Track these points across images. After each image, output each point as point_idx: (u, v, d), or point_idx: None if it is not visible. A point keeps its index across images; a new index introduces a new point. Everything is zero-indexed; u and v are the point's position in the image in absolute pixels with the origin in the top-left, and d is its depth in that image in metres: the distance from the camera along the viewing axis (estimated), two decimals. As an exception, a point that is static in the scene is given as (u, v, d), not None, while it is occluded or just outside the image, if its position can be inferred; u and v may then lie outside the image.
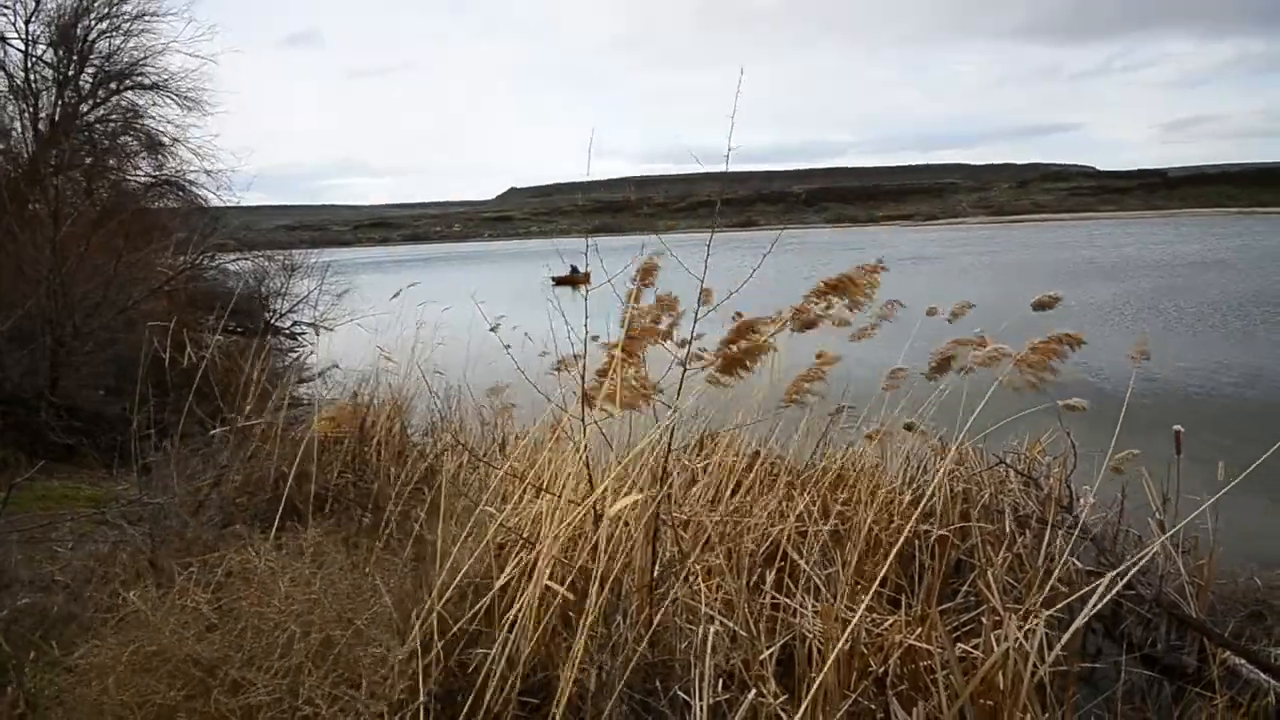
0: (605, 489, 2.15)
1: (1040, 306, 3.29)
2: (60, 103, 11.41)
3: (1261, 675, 2.30)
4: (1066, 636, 1.78)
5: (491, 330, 3.37)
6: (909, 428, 3.55)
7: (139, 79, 11.96)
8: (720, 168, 2.40)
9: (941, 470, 3.40)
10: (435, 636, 1.99)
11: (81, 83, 11.61)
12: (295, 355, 11.57)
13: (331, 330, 12.29)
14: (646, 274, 2.48)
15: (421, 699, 1.90)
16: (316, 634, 2.02)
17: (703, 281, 2.40)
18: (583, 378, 2.41)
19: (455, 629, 2.09)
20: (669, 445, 2.35)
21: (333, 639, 2.02)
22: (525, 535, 2.28)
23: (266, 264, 13.63)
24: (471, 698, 1.95)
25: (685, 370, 2.37)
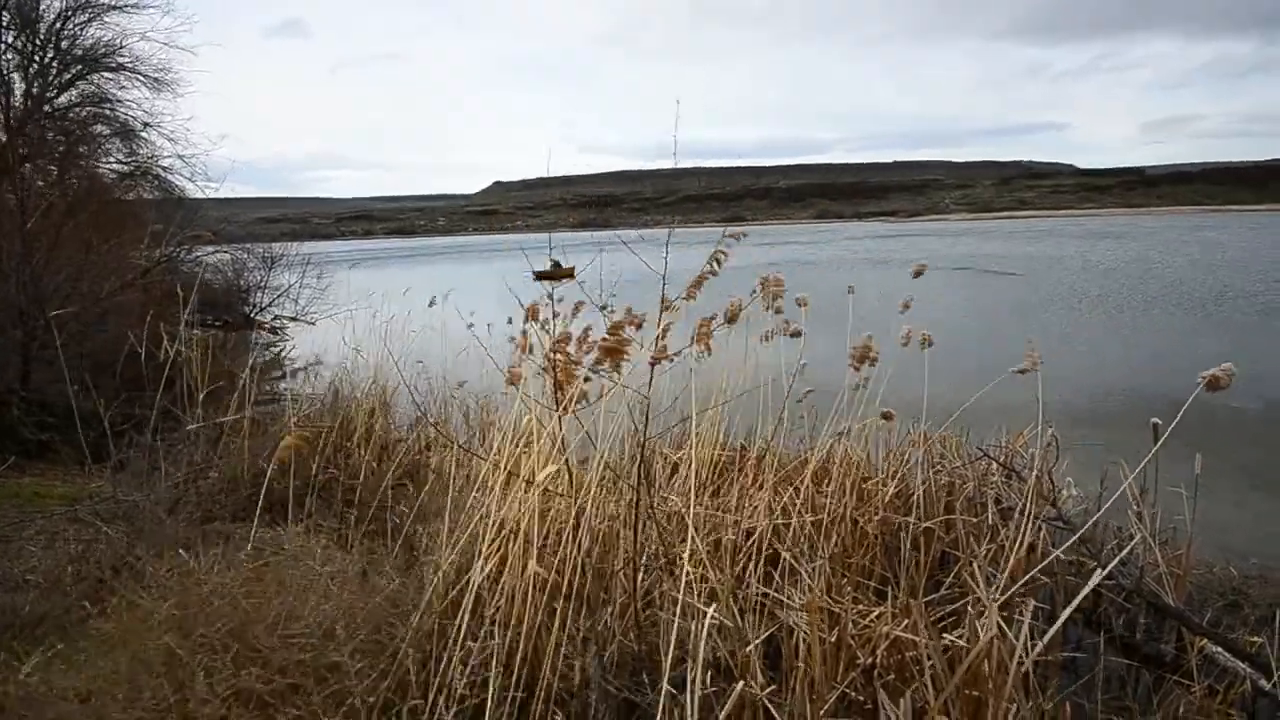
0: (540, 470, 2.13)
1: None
2: (29, 90, 11.10)
3: (1239, 663, 2.34)
4: (1054, 630, 1.79)
5: (469, 326, 3.36)
6: (886, 417, 3.55)
7: (105, 61, 11.60)
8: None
9: (924, 462, 3.44)
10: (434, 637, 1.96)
11: (48, 67, 11.29)
12: (276, 349, 11.42)
13: (313, 324, 12.14)
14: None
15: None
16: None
17: (664, 278, 2.40)
18: (555, 370, 2.38)
19: (433, 621, 2.06)
20: (645, 431, 2.34)
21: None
22: (508, 528, 2.26)
23: (246, 257, 13.41)
24: (457, 692, 1.92)
25: (654, 363, 2.37)
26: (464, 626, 2.01)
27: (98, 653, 2.09)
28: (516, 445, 2.55)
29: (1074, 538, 2.77)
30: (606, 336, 2.27)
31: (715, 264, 2.40)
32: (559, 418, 2.37)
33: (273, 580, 2.16)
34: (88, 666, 2.04)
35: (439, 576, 2.16)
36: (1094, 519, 2.92)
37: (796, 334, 3.66)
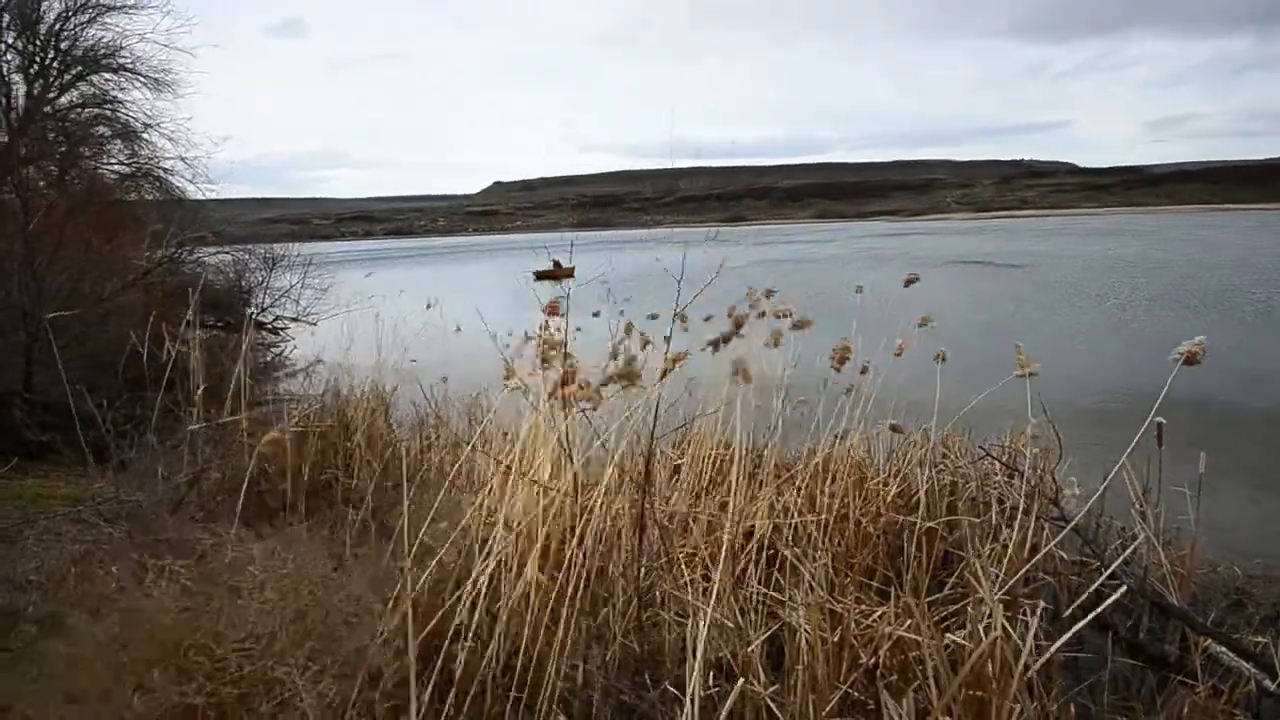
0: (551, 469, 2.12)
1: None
2: (30, 91, 11.12)
3: (1243, 663, 2.33)
4: (1067, 636, 1.78)
5: (457, 330, 3.38)
6: (895, 429, 3.55)
7: (106, 63, 11.61)
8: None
9: (926, 462, 3.43)
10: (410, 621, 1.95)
11: (49, 68, 11.31)
12: (277, 349, 11.43)
13: (314, 325, 12.15)
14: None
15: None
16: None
17: (680, 285, 2.42)
18: (561, 370, 2.39)
19: (428, 620, 2.05)
20: (652, 434, 2.34)
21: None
22: (509, 526, 2.25)
23: (247, 257, 13.41)
24: (455, 691, 1.92)
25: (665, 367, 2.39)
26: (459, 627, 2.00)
27: (42, 674, 2.01)
28: (517, 445, 2.55)
29: (1069, 527, 2.77)
30: (620, 366, 2.31)
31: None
32: (564, 418, 2.37)
33: (213, 592, 2.09)
34: (24, 691, 1.96)
35: (425, 574, 2.13)
36: (1086, 506, 2.91)
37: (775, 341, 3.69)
